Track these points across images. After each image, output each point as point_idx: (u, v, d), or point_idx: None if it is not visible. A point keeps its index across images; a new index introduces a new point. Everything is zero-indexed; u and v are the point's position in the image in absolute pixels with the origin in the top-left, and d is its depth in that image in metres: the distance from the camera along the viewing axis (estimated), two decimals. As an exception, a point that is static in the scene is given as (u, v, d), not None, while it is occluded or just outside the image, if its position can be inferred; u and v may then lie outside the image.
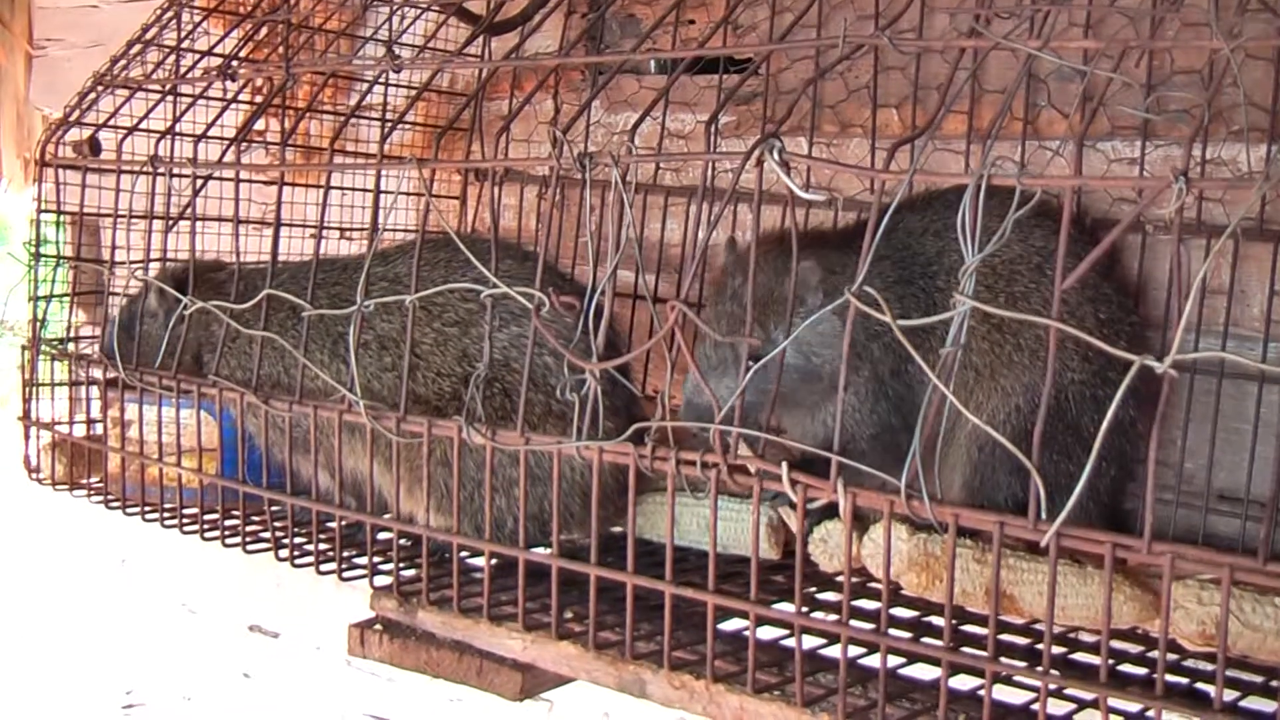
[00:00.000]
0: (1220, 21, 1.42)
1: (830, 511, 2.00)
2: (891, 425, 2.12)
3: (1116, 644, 1.92)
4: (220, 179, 2.12)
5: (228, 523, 2.11)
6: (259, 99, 2.96)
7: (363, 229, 3.10)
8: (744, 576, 1.87)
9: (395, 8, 2.22)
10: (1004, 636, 1.91)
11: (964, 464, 2.12)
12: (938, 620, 1.94)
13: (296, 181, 2.46)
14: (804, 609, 1.91)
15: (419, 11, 2.27)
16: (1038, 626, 1.94)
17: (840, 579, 2.10)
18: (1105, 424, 1.35)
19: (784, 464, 1.45)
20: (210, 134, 2.30)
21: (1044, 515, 1.36)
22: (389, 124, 2.01)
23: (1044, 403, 1.38)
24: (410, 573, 1.94)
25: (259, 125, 2.99)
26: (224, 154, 2.13)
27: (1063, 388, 2.09)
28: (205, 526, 2.13)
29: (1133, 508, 2.25)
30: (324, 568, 1.97)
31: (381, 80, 2.88)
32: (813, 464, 1.53)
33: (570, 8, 3.01)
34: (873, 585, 2.08)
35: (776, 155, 1.47)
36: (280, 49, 2.58)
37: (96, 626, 4.29)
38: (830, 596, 2.04)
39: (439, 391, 2.06)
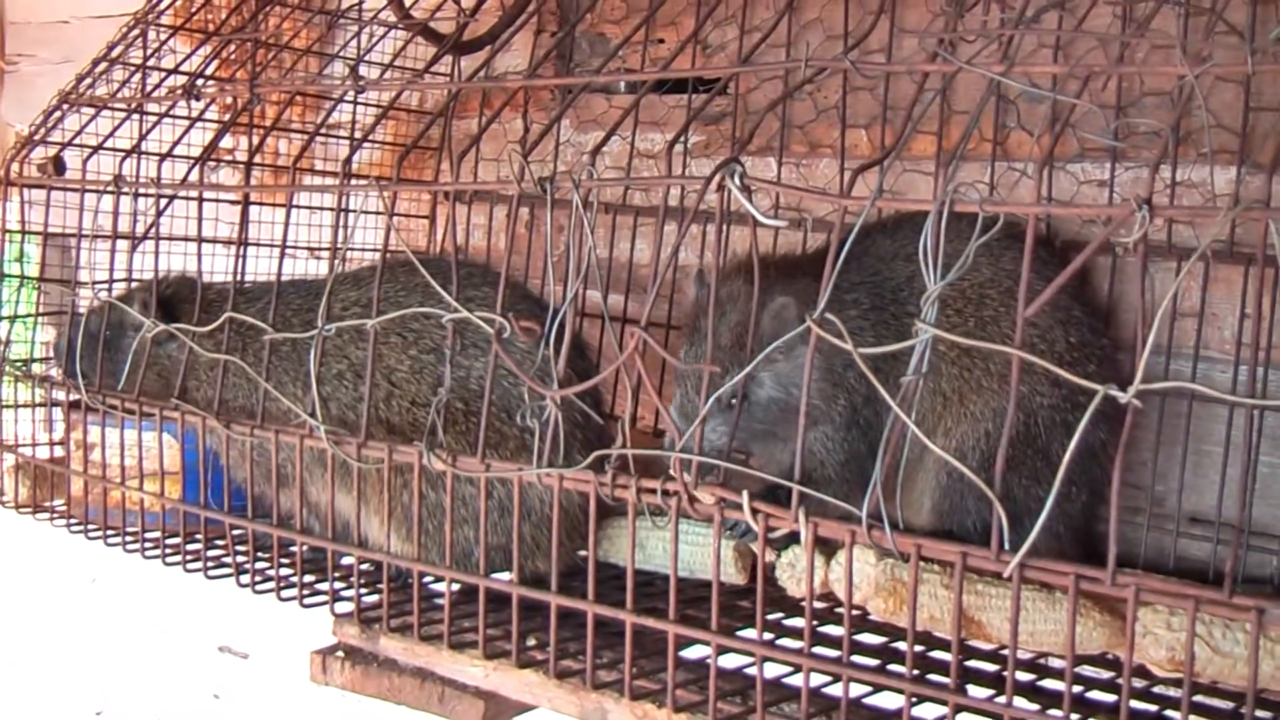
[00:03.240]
0: (1189, 45, 1.42)
1: (798, 536, 1.99)
2: (860, 452, 2.10)
3: (1086, 670, 1.91)
4: (185, 198, 2.10)
5: (190, 547, 2.09)
6: (225, 118, 2.94)
7: (331, 248, 3.08)
8: (710, 601, 1.87)
9: (361, 26, 2.20)
10: (972, 663, 1.89)
11: (933, 489, 2.11)
12: (905, 646, 1.93)
13: (264, 201, 2.43)
14: (769, 636, 1.91)
15: (385, 31, 2.24)
16: (1006, 652, 1.93)
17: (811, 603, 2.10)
18: (1070, 450, 1.34)
19: (745, 493, 1.43)
20: (176, 153, 2.28)
21: (1008, 544, 1.35)
22: (355, 143, 1.98)
23: (1006, 429, 1.37)
24: (372, 599, 1.92)
25: (227, 143, 2.98)
26: (188, 173, 2.11)
27: (1032, 412, 2.08)
28: (168, 551, 2.11)
29: (1105, 530, 2.23)
30: (285, 594, 1.94)
31: (348, 99, 2.87)
32: (779, 491, 1.52)
33: (539, 26, 3.00)
34: (840, 610, 2.06)
35: (738, 180, 1.45)
36: (240, 68, 2.57)
37: (66, 646, 4.25)
38: (798, 622, 2.02)
39: (414, 422, 2.03)
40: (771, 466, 2.13)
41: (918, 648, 1.95)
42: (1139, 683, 1.86)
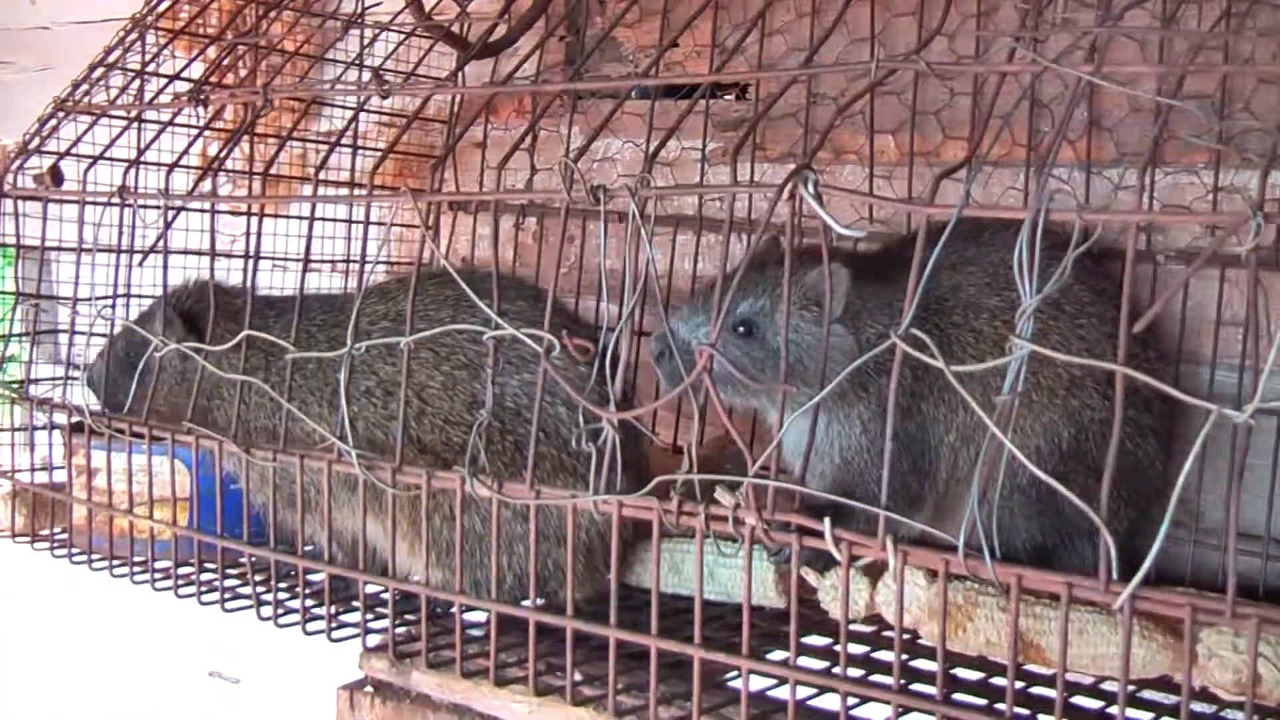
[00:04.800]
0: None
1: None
2: (902, 468, 2.01)
3: (1148, 694, 1.84)
4: (193, 210, 2.00)
5: (205, 577, 1.98)
6: (219, 125, 2.84)
7: (332, 261, 2.98)
8: (759, 628, 1.79)
9: (378, 31, 2.11)
10: (1034, 690, 1.81)
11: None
12: (961, 673, 1.85)
13: (265, 212, 2.33)
14: (823, 664, 1.82)
15: (404, 36, 2.15)
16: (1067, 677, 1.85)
17: (856, 627, 2.01)
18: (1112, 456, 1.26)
19: (826, 521, 1.34)
20: (159, 163, 2.18)
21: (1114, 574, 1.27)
22: (380, 153, 1.89)
23: (1112, 453, 1.28)
24: (400, 630, 1.82)
25: (213, 152, 2.87)
26: (196, 184, 2.01)
27: (1083, 427, 2.01)
28: (179, 582, 2.00)
29: (1147, 547, 2.15)
30: (310, 626, 1.84)
31: (351, 106, 2.77)
32: (819, 507, 1.44)
33: (547, 30, 2.91)
34: (888, 634, 1.98)
35: (811, 188, 1.37)
36: (249, 73, 2.46)
37: (51, 669, 4.12)
38: (854, 649, 1.93)
39: (446, 441, 1.93)
40: (813, 477, 2.04)
41: (974, 674, 1.88)
42: (1206, 707, 1.79)
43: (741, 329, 1.87)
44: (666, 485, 1.45)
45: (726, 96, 2.77)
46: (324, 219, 2.99)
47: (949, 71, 1.55)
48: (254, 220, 2.00)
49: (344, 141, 2.92)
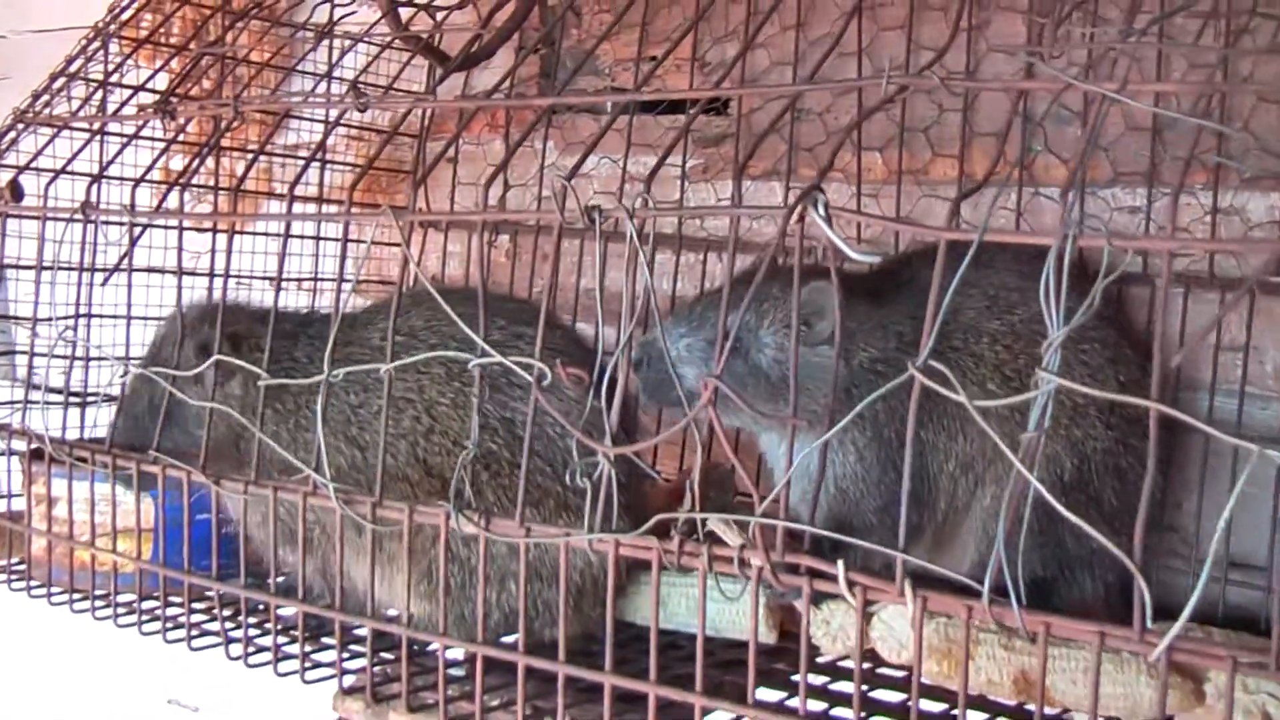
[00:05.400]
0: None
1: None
2: (900, 498, 1.94)
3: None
4: (159, 226, 1.91)
5: (169, 612, 1.88)
6: (183, 138, 2.74)
7: (299, 279, 2.89)
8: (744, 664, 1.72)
9: (352, 44, 2.02)
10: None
11: (979, 538, 1.97)
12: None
13: (232, 229, 2.22)
14: (821, 706, 1.75)
15: (380, 49, 2.06)
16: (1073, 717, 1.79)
17: (846, 663, 1.94)
18: (1146, 494, 1.19)
19: (840, 564, 1.27)
20: (130, 177, 2.08)
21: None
22: (351, 167, 1.80)
23: (1147, 493, 1.21)
24: (377, 668, 1.73)
25: (176, 166, 2.78)
26: (163, 199, 1.92)
27: (1085, 457, 1.94)
28: (143, 618, 1.91)
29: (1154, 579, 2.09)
30: (283, 666, 1.75)
31: (326, 119, 2.68)
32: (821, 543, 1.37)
33: (521, 43, 2.83)
34: (883, 672, 1.91)
35: (821, 209, 1.29)
36: (215, 85, 2.38)
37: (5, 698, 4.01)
38: (844, 687, 1.86)
39: (455, 464, 1.84)
40: (804, 505, 1.97)
41: (976, 715, 1.81)
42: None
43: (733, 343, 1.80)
44: (666, 523, 1.37)
45: (706, 111, 2.70)
46: (288, 235, 2.91)
47: (967, 88, 1.47)
48: (224, 238, 1.91)
49: (308, 155, 2.85)
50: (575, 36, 2.84)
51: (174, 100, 1.97)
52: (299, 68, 2.36)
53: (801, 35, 2.49)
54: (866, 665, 1.92)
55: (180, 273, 1.87)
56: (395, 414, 1.85)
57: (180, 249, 1.86)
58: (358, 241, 2.47)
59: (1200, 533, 2.11)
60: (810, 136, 2.50)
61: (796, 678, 1.88)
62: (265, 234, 2.70)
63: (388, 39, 2.12)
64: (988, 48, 2.29)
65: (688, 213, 2.20)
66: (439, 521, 1.52)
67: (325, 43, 2.11)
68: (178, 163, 2.65)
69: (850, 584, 1.26)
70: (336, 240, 2.95)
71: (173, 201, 1.96)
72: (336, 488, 1.59)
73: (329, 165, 2.81)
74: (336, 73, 2.30)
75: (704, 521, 1.37)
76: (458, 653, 1.71)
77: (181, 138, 2.41)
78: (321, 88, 2.13)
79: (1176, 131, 2.19)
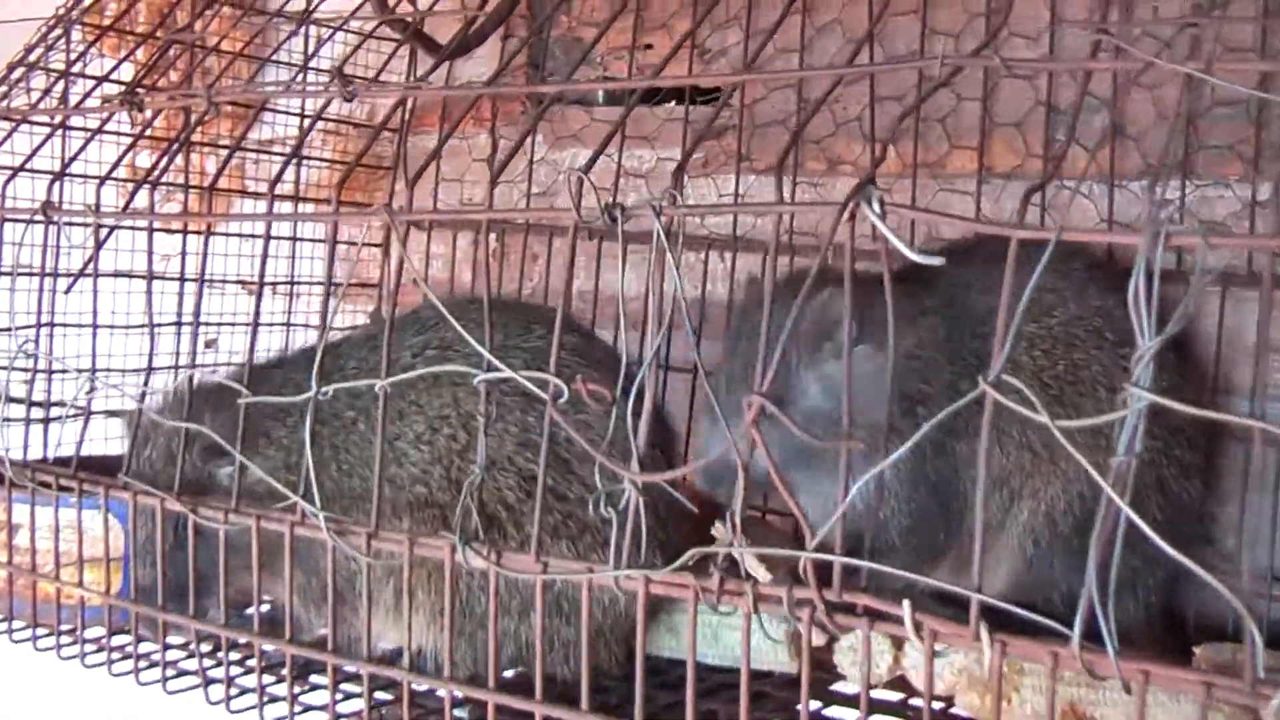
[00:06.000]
0: None
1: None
2: (931, 514, 1.81)
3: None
4: (127, 228, 1.75)
5: (142, 649, 1.73)
6: (150, 133, 2.58)
7: (273, 283, 2.74)
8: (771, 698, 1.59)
9: (333, 30, 1.87)
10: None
11: (1014, 556, 1.83)
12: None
13: (209, 230, 2.05)
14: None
15: (364, 37, 1.91)
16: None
17: (874, 694, 1.81)
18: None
19: (906, 604, 1.13)
20: (90, 174, 1.94)
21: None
22: (337, 164, 1.66)
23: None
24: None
25: (143, 163, 2.62)
26: (130, 198, 1.77)
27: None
28: (114, 655, 1.75)
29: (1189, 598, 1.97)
30: (269, 710, 1.59)
31: (302, 112, 2.53)
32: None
33: (507, 31, 2.68)
34: (915, 703, 1.77)
35: (876, 206, 1.15)
36: (184, 75, 2.22)
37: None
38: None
39: (496, 492, 1.68)
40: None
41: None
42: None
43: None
44: (704, 558, 1.23)
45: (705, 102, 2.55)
46: (270, 237, 2.75)
47: (1029, 69, 1.33)
48: (195, 240, 1.76)
49: (284, 150, 2.69)
50: (565, 24, 2.70)
51: (142, 91, 1.81)
52: (275, 57, 2.20)
53: (808, 21, 2.35)
54: (897, 698, 1.79)
55: (150, 277, 1.72)
56: (430, 435, 1.70)
57: (150, 252, 1.71)
58: (347, 244, 2.32)
59: (1242, 546, 1.99)
60: (818, 128, 2.36)
61: (827, 711, 1.75)
62: (239, 235, 2.55)
63: (371, 25, 1.96)
64: (1009, 33, 2.16)
65: (721, 210, 2.04)
66: (442, 555, 1.37)
67: (303, 30, 1.97)
68: (145, 159, 2.49)
69: (918, 627, 1.12)
70: (315, 241, 2.81)
71: (141, 200, 1.80)
72: (327, 517, 1.43)
73: (305, 161, 2.66)
74: (314, 63, 2.16)
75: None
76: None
77: (149, 132, 2.26)
78: (303, 77, 1.97)
79: (1211, 120, 2.06)
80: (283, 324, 2.63)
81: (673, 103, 2.54)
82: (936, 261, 1.14)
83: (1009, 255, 1.16)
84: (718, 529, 1.81)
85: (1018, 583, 1.84)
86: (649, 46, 2.57)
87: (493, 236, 2.70)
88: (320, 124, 2.69)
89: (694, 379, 2.18)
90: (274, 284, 2.66)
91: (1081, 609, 1.09)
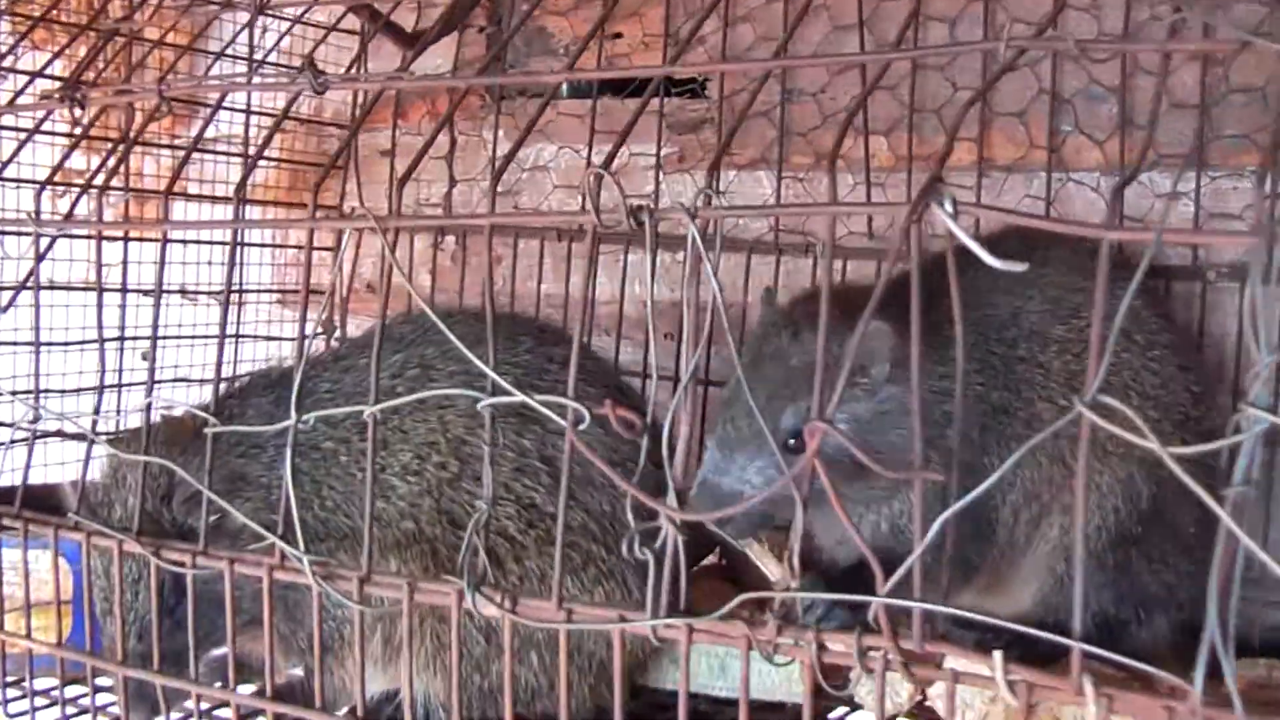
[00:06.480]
0: None
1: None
2: (960, 533, 1.68)
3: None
4: (75, 237, 1.58)
5: (99, 700, 1.56)
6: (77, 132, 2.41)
7: (209, 292, 2.57)
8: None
9: (292, 22, 1.71)
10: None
11: (1043, 576, 1.72)
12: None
13: (164, 239, 1.87)
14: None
15: (329, 29, 1.74)
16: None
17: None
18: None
19: (997, 655, 1.00)
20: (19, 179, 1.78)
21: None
22: (327, 168, 1.50)
23: None
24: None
25: (77, 164, 2.44)
26: (74, 204, 1.60)
27: (1162, 480, 1.70)
28: (68, 710, 1.58)
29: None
30: (246, 770, 1.43)
31: (239, 107, 2.35)
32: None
33: (466, 21, 2.52)
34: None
35: (949, 206, 1.02)
36: (123, 69, 2.05)
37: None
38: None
39: (495, 522, 1.53)
40: (838, 550, 1.70)
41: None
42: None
43: (794, 443, 1.52)
44: (753, 604, 1.09)
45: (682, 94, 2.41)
46: (200, 242, 2.59)
47: (1102, 50, 1.21)
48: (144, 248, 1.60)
49: (231, 150, 2.52)
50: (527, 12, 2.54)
51: (84, 87, 1.64)
52: (220, 50, 2.04)
53: (790, 7, 2.22)
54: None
55: (101, 289, 1.55)
56: (418, 465, 1.55)
57: (100, 263, 1.54)
58: (294, 248, 2.15)
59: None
60: (804, 120, 2.23)
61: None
62: (183, 241, 2.38)
63: (329, 16, 1.80)
64: (1010, 19, 2.03)
65: (761, 212, 1.89)
66: (448, 603, 1.22)
67: (255, 23, 1.80)
68: (79, 161, 2.31)
69: (1011, 683, 0.99)
70: (260, 246, 2.64)
71: (83, 207, 1.64)
72: (312, 560, 1.28)
73: (248, 160, 2.48)
74: (264, 57, 2.00)
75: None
76: None
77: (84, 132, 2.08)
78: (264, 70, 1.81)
79: (1225, 107, 1.96)
80: (229, 335, 2.46)
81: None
82: (1019, 267, 1.01)
83: (1101, 257, 1.03)
84: (770, 568, 1.68)
85: (1045, 601, 1.73)
86: (618, 35, 2.43)
87: (451, 239, 2.55)
88: (259, 121, 2.53)
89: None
90: (216, 294, 2.51)
91: (1203, 655, 0.96)
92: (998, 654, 1.00)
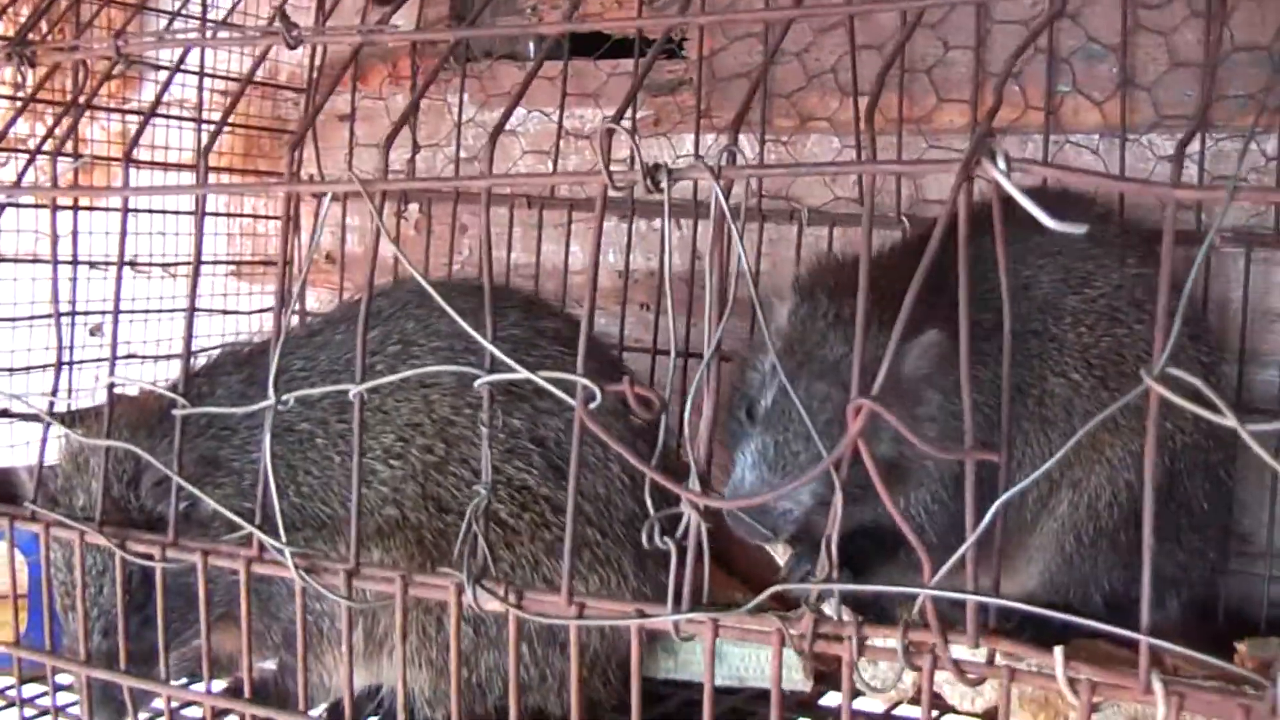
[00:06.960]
0: None
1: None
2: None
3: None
4: (23, 205, 1.47)
5: (60, 700, 1.46)
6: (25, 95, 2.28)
7: (164, 264, 2.46)
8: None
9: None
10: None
11: (1051, 554, 1.66)
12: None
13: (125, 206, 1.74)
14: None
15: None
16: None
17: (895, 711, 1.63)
18: None
19: (1057, 651, 0.92)
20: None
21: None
22: (294, 135, 1.40)
23: None
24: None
25: (27, 131, 2.31)
26: (24, 170, 1.49)
27: (1174, 454, 1.65)
28: (26, 711, 1.48)
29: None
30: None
31: (192, 69, 2.23)
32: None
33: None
34: (944, 720, 1.59)
35: (1002, 163, 0.94)
36: (62, 23, 1.93)
37: None
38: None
39: (492, 511, 1.43)
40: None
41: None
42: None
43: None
44: (781, 597, 1.01)
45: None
46: (154, 211, 2.47)
47: None
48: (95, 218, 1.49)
49: (185, 114, 2.41)
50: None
51: (32, 44, 1.53)
52: (179, 11, 1.92)
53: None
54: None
55: (55, 261, 1.45)
56: (401, 447, 1.46)
57: (55, 234, 1.43)
58: (250, 216, 2.05)
59: (1275, 534, 1.83)
60: (788, 81, 2.14)
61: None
62: (134, 210, 2.25)
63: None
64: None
65: (807, 171, 1.76)
66: (446, 597, 1.13)
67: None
68: (23, 127, 2.19)
69: (1072, 682, 0.91)
70: (215, 215, 2.53)
71: (31, 175, 1.52)
72: (294, 551, 1.18)
73: (202, 126, 2.36)
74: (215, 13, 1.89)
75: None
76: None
77: (25, 94, 1.96)
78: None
79: (1231, 67, 1.89)
80: (182, 310, 2.36)
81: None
82: (1079, 229, 0.93)
83: (1166, 219, 0.94)
84: (775, 550, 1.60)
85: (1052, 581, 1.67)
86: (590, -8, 2.33)
87: (415, 207, 2.44)
88: (222, 84, 2.41)
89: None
90: (168, 265, 2.40)
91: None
92: (1059, 650, 0.92)
